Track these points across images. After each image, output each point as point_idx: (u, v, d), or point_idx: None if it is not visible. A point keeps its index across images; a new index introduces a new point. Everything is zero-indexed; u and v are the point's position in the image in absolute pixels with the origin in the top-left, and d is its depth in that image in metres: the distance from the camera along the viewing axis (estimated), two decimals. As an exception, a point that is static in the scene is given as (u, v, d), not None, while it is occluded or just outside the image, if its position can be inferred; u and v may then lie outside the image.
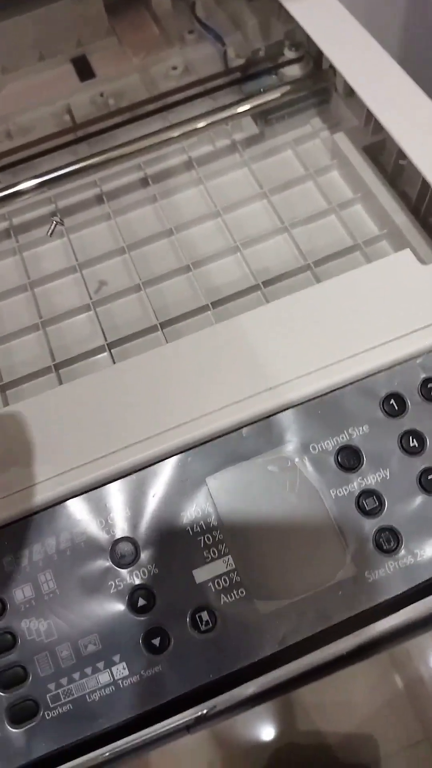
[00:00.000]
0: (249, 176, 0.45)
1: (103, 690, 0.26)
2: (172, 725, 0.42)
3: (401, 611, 0.28)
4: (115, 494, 0.28)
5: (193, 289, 0.41)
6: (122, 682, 0.26)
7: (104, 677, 0.26)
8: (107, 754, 0.44)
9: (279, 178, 0.44)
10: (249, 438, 0.29)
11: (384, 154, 0.42)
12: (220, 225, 0.43)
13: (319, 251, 0.41)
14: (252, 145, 0.47)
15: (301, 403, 0.29)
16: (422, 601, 0.28)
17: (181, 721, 0.40)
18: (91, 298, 0.40)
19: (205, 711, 0.47)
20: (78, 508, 0.28)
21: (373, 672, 0.83)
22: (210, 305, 0.39)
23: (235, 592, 0.27)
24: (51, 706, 0.26)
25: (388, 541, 0.28)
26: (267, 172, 0.46)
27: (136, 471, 0.29)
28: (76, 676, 0.26)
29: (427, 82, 0.40)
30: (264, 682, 0.36)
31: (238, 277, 0.41)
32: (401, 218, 0.40)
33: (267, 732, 0.81)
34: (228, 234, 0.42)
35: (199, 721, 0.72)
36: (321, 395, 0.29)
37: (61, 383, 0.37)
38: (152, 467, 0.29)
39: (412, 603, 0.28)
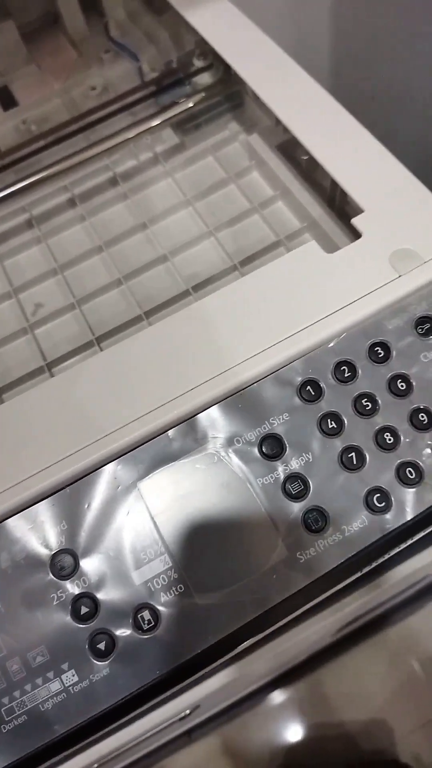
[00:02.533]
0: (173, 185, 0.47)
1: (55, 698, 0.27)
2: (153, 726, 0.43)
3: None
4: (50, 509, 0.29)
5: (127, 301, 0.42)
6: (72, 689, 0.27)
7: (55, 686, 0.27)
8: (95, 766, 0.45)
9: (202, 185, 0.45)
10: (175, 439, 0.30)
11: (296, 151, 0.43)
12: (149, 236, 0.44)
13: (246, 251, 0.42)
14: (175, 155, 0.48)
15: (222, 400, 0.30)
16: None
17: (157, 722, 0.40)
18: (28, 321, 0.41)
19: (188, 711, 0.48)
20: (15, 527, 0.29)
21: (380, 657, 0.84)
22: (143, 315, 0.40)
23: (174, 588, 0.28)
24: (6, 719, 0.27)
25: (316, 521, 0.29)
26: (191, 180, 0.47)
27: (69, 484, 0.30)
28: (28, 687, 0.27)
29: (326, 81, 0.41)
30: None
31: (169, 285, 0.42)
32: (317, 211, 0.41)
33: (276, 729, 0.82)
34: (157, 244, 0.43)
35: (199, 727, 0.72)
36: (240, 390, 0.30)
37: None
38: (84, 479, 0.30)
39: (346, 578, 0.29)
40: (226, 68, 0.47)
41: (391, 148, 0.38)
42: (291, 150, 0.43)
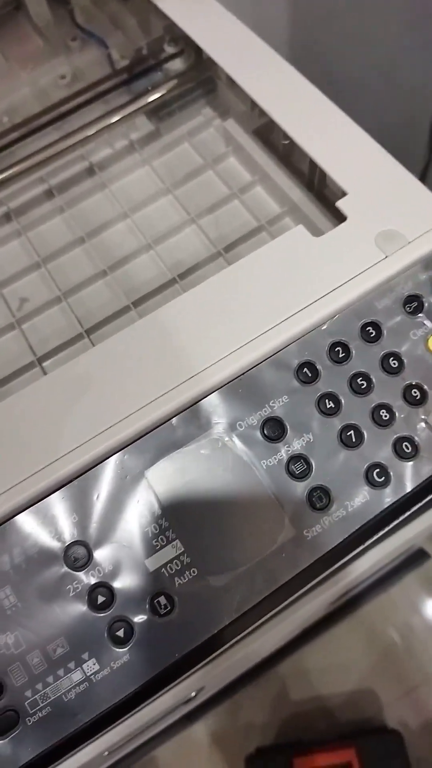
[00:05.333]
0: (151, 173, 0.46)
1: (77, 687, 0.28)
2: (166, 709, 0.44)
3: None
4: (60, 502, 0.29)
5: (113, 292, 0.42)
6: (94, 677, 0.28)
7: (77, 675, 0.28)
8: (105, 753, 0.46)
9: (180, 172, 0.45)
10: (179, 427, 0.30)
11: (273, 135, 0.43)
12: (131, 225, 0.44)
13: (228, 237, 0.42)
14: (150, 143, 0.48)
15: (223, 386, 0.31)
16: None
17: (169, 705, 0.41)
18: (14, 317, 0.41)
19: (194, 693, 0.49)
20: (25, 522, 0.29)
21: (359, 631, 0.86)
22: (131, 305, 0.40)
23: (187, 573, 0.29)
24: (30, 712, 0.27)
25: (320, 499, 0.30)
26: (168, 167, 0.47)
27: (77, 477, 0.30)
28: (50, 679, 0.28)
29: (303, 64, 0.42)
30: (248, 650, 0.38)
31: (155, 275, 0.42)
32: (297, 194, 0.41)
33: (268, 707, 0.84)
34: (139, 233, 0.43)
35: (197, 711, 0.73)
36: (240, 375, 0.31)
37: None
38: (92, 471, 0.30)
39: (350, 552, 0.30)
40: (198, 54, 0.47)
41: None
42: (268, 134, 0.44)
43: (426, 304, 0.32)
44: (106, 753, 0.46)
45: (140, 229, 0.43)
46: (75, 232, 0.44)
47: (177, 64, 0.48)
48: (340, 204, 0.35)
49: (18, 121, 0.48)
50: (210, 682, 0.45)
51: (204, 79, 0.47)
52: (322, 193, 0.41)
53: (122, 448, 0.30)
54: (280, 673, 0.84)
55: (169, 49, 0.47)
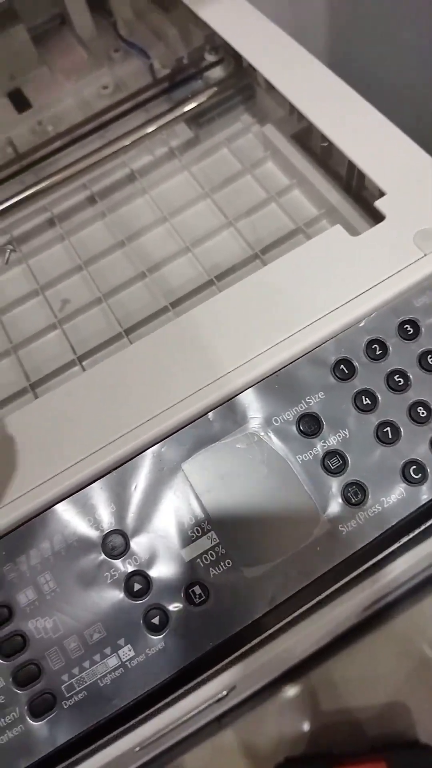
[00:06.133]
0: (190, 179, 0.48)
1: (113, 673, 0.28)
2: (198, 705, 0.44)
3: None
4: (99, 492, 0.30)
5: (151, 293, 0.43)
6: (130, 663, 0.28)
7: (112, 661, 0.28)
8: (137, 749, 0.46)
9: (218, 177, 0.46)
10: (216, 421, 0.31)
11: (311, 139, 0.44)
12: (169, 229, 0.45)
13: (265, 239, 0.43)
14: (189, 149, 0.49)
15: (259, 382, 0.31)
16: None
17: (201, 701, 0.41)
18: (56, 317, 0.42)
19: (225, 692, 0.49)
20: (65, 511, 0.30)
21: (390, 644, 0.85)
22: (169, 306, 0.41)
23: (222, 563, 0.29)
24: (67, 695, 0.28)
25: (356, 494, 0.30)
26: (207, 173, 0.48)
27: (116, 468, 0.31)
28: (86, 664, 0.28)
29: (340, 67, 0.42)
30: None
31: (192, 276, 0.43)
32: (335, 197, 0.42)
33: (299, 718, 0.83)
34: (178, 237, 0.44)
35: (228, 716, 0.73)
36: (276, 371, 0.31)
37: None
38: (130, 462, 0.31)
39: (386, 549, 0.30)
40: (237, 61, 0.48)
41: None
42: (306, 138, 0.44)
43: (464, 302, 0.32)
44: (138, 749, 0.46)
45: (179, 232, 0.44)
46: (116, 236, 0.45)
47: (217, 72, 0.49)
48: (379, 204, 0.35)
49: (61, 130, 0.50)
50: (242, 681, 0.45)
51: (243, 86, 0.48)
52: (360, 195, 0.41)
53: (160, 441, 0.31)
54: (311, 683, 0.83)
55: (210, 58, 0.48)
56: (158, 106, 0.50)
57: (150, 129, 0.47)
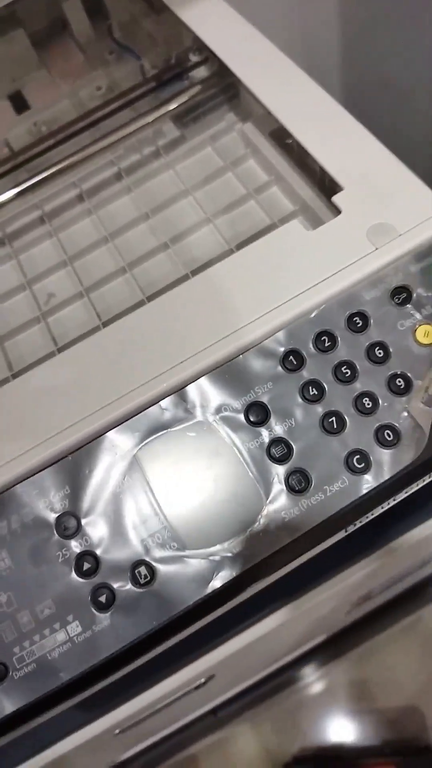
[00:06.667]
0: (174, 177, 0.49)
1: (61, 647, 0.30)
2: (172, 691, 0.45)
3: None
4: (55, 475, 0.32)
5: (131, 287, 0.44)
6: (77, 638, 0.30)
7: (61, 636, 0.30)
8: (117, 732, 0.47)
9: (202, 174, 0.47)
10: (168, 409, 0.32)
11: (286, 137, 0.45)
12: (151, 225, 0.47)
13: (242, 235, 0.44)
14: (176, 148, 0.50)
15: (211, 371, 0.32)
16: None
17: (175, 687, 0.43)
18: (40, 310, 0.44)
19: (203, 680, 0.50)
20: (23, 492, 0.31)
21: (413, 646, 0.85)
22: (146, 299, 0.42)
23: (168, 546, 0.30)
24: (17, 667, 0.30)
25: (299, 482, 0.30)
26: (191, 171, 0.49)
27: (72, 452, 0.32)
28: (37, 638, 0.30)
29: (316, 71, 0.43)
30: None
31: (171, 271, 0.44)
32: (308, 193, 0.42)
33: (310, 717, 0.83)
34: (158, 233, 0.45)
35: (237, 713, 0.74)
36: (227, 362, 0.32)
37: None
38: (85, 447, 0.32)
39: (329, 537, 0.30)
40: (221, 61, 0.49)
41: (399, 138, 0.39)
42: (281, 136, 0.45)
43: (414, 295, 0.32)
44: (117, 731, 0.48)
45: (160, 228, 0.45)
46: (100, 232, 0.47)
47: (202, 72, 0.50)
48: (336, 198, 0.35)
49: (53, 129, 0.52)
50: (218, 670, 0.46)
51: (227, 85, 0.49)
52: (332, 191, 0.41)
53: (113, 427, 0.32)
54: (326, 683, 0.84)
55: (194, 58, 0.49)
56: (146, 105, 0.51)
57: (137, 126, 0.49)
